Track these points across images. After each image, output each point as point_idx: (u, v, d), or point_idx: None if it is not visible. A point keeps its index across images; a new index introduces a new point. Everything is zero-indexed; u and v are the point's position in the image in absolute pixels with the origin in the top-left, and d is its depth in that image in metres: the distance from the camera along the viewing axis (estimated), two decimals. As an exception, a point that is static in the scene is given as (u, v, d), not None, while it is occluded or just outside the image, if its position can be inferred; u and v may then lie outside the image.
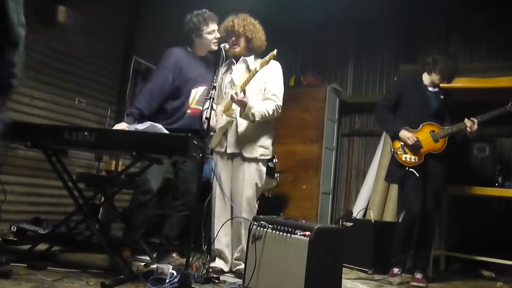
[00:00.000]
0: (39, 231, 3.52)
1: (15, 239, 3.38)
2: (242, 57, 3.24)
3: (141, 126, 2.80)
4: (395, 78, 5.47)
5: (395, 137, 3.63)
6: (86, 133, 2.61)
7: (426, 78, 3.69)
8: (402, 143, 3.58)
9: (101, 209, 3.26)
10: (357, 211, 5.02)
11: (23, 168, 3.98)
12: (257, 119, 3.01)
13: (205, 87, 3.42)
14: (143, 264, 3.07)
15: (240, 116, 3.03)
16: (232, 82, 3.20)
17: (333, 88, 5.81)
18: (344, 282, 2.72)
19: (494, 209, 4.75)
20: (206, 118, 2.69)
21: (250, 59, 3.24)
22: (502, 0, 4.94)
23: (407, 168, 3.54)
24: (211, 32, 3.36)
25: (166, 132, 2.75)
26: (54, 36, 4.14)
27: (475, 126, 3.47)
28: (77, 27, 4.28)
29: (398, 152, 3.60)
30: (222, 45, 2.86)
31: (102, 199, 3.72)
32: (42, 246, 2.88)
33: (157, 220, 3.98)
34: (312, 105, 5.62)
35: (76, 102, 4.50)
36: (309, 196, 5.40)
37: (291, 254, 2.32)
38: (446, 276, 3.94)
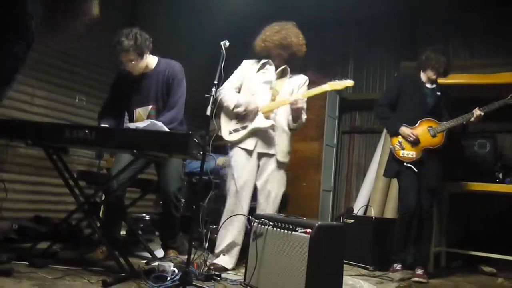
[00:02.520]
0: (40, 229, 3.52)
1: (16, 237, 3.38)
2: (286, 66, 3.34)
3: (141, 124, 2.79)
4: (395, 74, 5.47)
5: (395, 134, 3.67)
6: (86, 131, 2.60)
7: (423, 75, 3.71)
8: (400, 140, 3.62)
9: (102, 207, 3.25)
10: (358, 208, 5.02)
11: (24, 166, 3.99)
12: (299, 128, 3.31)
13: (150, 106, 3.23)
14: (144, 261, 3.07)
15: (293, 122, 3.25)
16: (269, 84, 3.28)
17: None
18: (345, 279, 2.72)
19: (494, 205, 4.75)
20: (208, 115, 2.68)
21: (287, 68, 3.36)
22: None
23: (404, 164, 3.58)
24: (124, 62, 3.12)
25: (167, 130, 2.75)
26: (55, 35, 4.14)
27: (480, 118, 3.50)
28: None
29: (396, 148, 3.64)
30: (222, 43, 2.85)
31: (103, 197, 3.72)
32: (43, 244, 2.88)
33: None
34: (312, 102, 5.55)
35: (77, 100, 4.51)
36: (310, 194, 5.40)
37: (292, 252, 2.32)
38: (447, 272, 3.94)
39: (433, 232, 3.81)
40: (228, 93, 3.29)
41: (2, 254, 2.58)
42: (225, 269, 3.05)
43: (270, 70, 3.34)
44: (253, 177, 3.22)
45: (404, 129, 3.59)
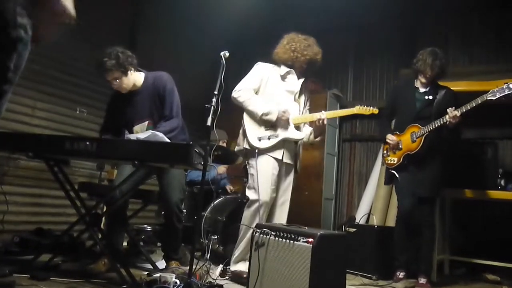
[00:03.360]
0: (42, 242, 3.51)
1: (17, 249, 3.37)
2: (304, 79, 3.43)
3: (142, 135, 2.80)
4: (396, 82, 5.48)
5: (384, 142, 3.73)
6: (87, 142, 2.61)
7: (416, 80, 3.69)
8: (388, 147, 3.68)
9: (103, 218, 3.24)
10: (360, 216, 5.01)
11: (25, 178, 3.99)
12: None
13: (147, 121, 3.22)
14: (146, 273, 3.06)
15: (315, 138, 3.38)
16: (292, 94, 3.35)
17: (334, 93, 5.82)
18: (348, 288, 2.71)
19: (497, 212, 4.73)
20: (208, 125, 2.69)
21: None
22: (501, 3, 4.95)
23: (390, 170, 3.64)
24: (110, 82, 3.13)
25: (168, 140, 2.75)
26: (55, 46, 4.16)
27: (457, 119, 3.30)
28: (77, 37, 4.31)
29: (384, 155, 3.72)
30: (222, 53, 2.86)
31: (104, 209, 3.71)
32: (45, 257, 2.87)
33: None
34: (313, 111, 5.61)
35: (78, 112, 4.52)
36: (312, 202, 5.39)
37: (294, 261, 2.31)
38: (451, 281, 3.92)
39: (435, 241, 3.76)
40: (252, 97, 3.26)
41: (4, 267, 2.58)
42: (244, 275, 3.01)
43: (292, 80, 3.37)
44: (275, 186, 3.24)
45: (388, 136, 3.65)
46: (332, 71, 6.26)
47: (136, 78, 3.22)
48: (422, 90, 3.64)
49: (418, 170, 3.50)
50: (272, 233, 2.49)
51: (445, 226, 4.33)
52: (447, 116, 3.31)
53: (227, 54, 2.84)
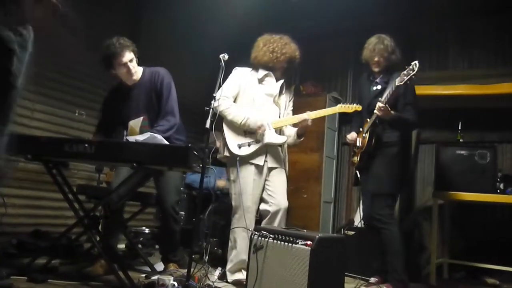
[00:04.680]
0: (40, 244, 3.50)
1: (15, 252, 3.36)
2: (283, 80, 3.39)
3: (141, 137, 2.80)
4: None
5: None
6: (86, 145, 2.61)
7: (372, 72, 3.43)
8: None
9: (101, 221, 3.23)
10: (358, 219, 4.99)
11: (23, 180, 3.98)
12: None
13: (142, 117, 3.20)
14: (144, 275, 3.05)
15: (298, 138, 3.33)
16: (271, 97, 3.32)
17: (333, 97, 5.81)
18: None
19: (496, 215, 4.72)
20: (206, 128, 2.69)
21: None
22: (501, 6, 4.96)
23: (355, 170, 3.45)
24: (122, 64, 3.11)
25: (166, 143, 2.75)
26: (54, 48, 4.15)
27: (385, 111, 3.07)
28: (77, 39, 4.30)
29: (352, 155, 3.53)
30: (221, 56, 2.86)
31: (103, 211, 3.70)
32: (42, 259, 2.86)
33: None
34: (312, 114, 5.62)
35: (76, 114, 4.51)
36: (311, 205, 5.38)
37: (293, 264, 2.31)
38: (450, 284, 3.91)
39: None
40: (231, 105, 3.24)
41: (1, 269, 2.56)
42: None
43: (271, 82, 3.35)
44: (260, 192, 3.21)
45: (348, 135, 3.53)
46: (331, 74, 6.26)
47: (137, 70, 3.21)
48: (375, 81, 3.39)
49: (371, 168, 3.27)
50: (271, 236, 2.48)
51: (444, 229, 4.32)
52: (377, 108, 3.08)
53: (226, 56, 2.85)
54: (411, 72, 2.93)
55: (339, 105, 3.34)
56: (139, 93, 3.21)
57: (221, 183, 4.72)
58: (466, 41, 5.34)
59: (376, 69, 3.35)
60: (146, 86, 3.21)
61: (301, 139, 3.36)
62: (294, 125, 3.35)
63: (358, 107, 3.27)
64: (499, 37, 5.11)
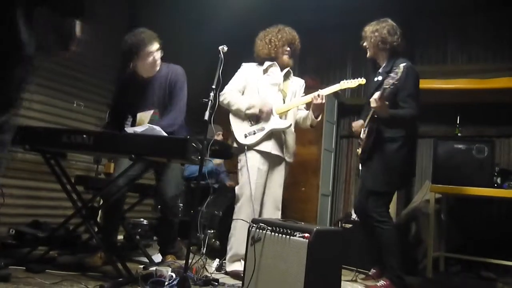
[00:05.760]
0: (38, 234, 3.50)
1: (13, 242, 3.36)
2: (289, 68, 3.44)
3: (139, 129, 2.79)
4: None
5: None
6: (84, 136, 2.60)
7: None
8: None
9: (99, 212, 3.24)
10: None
11: (21, 171, 3.98)
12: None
13: (152, 110, 3.20)
14: (142, 266, 3.06)
15: (316, 118, 3.29)
16: (276, 86, 3.34)
17: (332, 90, 5.81)
18: (344, 284, 2.72)
19: (493, 210, 4.74)
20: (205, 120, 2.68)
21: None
22: (500, 1, 4.95)
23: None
24: (150, 53, 3.12)
25: (165, 134, 2.75)
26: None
27: (379, 104, 2.90)
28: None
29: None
30: (220, 48, 2.85)
31: (101, 202, 3.71)
32: (40, 249, 2.87)
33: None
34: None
35: (75, 105, 4.51)
36: (308, 198, 5.39)
37: (290, 256, 2.31)
38: (446, 278, 3.93)
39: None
40: (235, 96, 3.31)
41: (0, 259, 2.57)
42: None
43: (275, 72, 3.39)
44: (264, 182, 3.24)
45: (353, 123, 3.45)
46: (330, 68, 6.26)
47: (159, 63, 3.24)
48: (378, 71, 3.28)
49: (370, 163, 3.19)
50: (269, 228, 2.49)
51: (441, 223, 4.33)
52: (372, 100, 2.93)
53: (226, 48, 2.84)
54: (395, 76, 2.73)
55: (342, 82, 3.30)
56: (153, 87, 3.22)
57: (216, 161, 4.81)
58: (465, 36, 5.34)
59: (381, 59, 3.28)
60: (161, 81, 3.22)
61: (318, 119, 3.34)
62: (307, 106, 3.38)
63: (362, 81, 3.23)
64: (497, 32, 5.12)
